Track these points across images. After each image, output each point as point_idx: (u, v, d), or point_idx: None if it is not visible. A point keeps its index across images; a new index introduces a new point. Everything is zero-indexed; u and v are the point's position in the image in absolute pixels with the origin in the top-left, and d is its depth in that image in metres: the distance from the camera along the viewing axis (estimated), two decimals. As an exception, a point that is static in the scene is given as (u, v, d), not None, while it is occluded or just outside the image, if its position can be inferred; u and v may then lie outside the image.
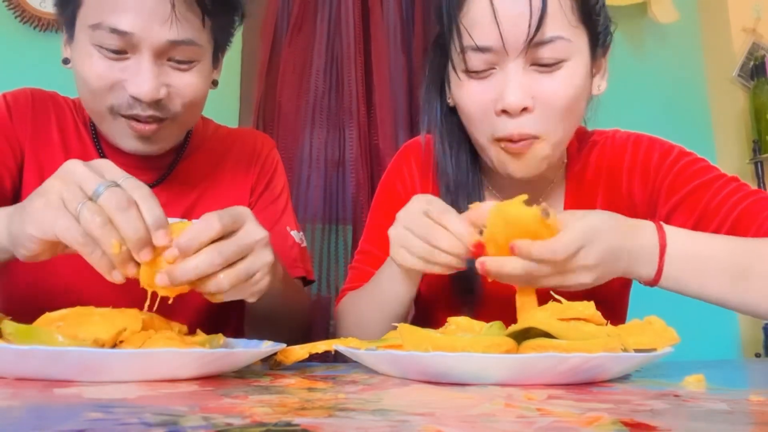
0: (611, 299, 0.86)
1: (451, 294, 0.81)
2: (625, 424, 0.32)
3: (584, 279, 0.61)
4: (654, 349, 0.53)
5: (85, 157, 0.75)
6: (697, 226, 0.73)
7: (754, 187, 0.76)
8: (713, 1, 2.42)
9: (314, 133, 1.94)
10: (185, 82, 0.75)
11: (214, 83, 0.84)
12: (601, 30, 0.72)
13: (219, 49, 0.82)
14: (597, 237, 0.60)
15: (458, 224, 0.62)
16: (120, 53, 0.71)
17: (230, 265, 0.55)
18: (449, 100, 0.79)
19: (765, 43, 2.31)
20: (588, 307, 0.56)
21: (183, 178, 0.88)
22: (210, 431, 0.29)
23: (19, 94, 0.84)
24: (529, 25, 0.65)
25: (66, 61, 0.78)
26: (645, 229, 0.64)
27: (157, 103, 0.73)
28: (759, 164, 2.22)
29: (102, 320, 0.51)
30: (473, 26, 0.69)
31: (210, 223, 0.54)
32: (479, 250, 0.60)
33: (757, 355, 2.08)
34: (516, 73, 0.67)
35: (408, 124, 1.96)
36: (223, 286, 0.55)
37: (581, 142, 0.85)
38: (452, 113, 0.79)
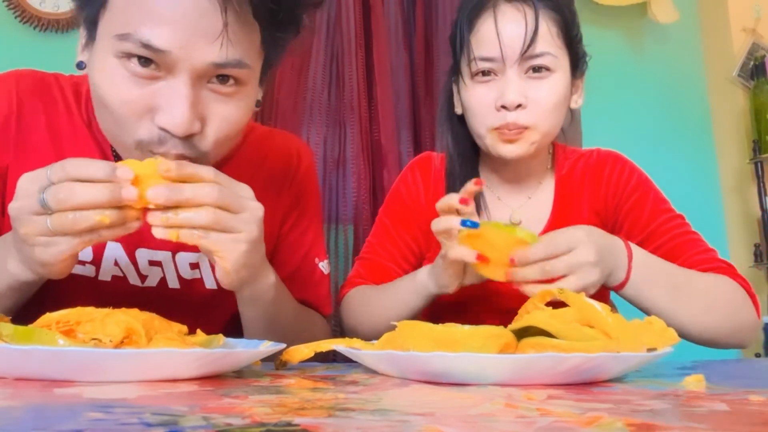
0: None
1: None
2: (625, 424, 0.32)
3: (592, 276, 0.70)
4: (654, 349, 0.53)
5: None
6: (642, 243, 0.87)
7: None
8: (713, 1, 2.42)
9: (312, 131, 1.93)
10: (224, 114, 0.63)
11: (257, 104, 0.72)
12: (580, 57, 0.93)
13: (268, 66, 0.70)
14: (588, 235, 0.72)
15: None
16: (151, 72, 0.59)
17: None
18: (457, 109, 0.97)
19: (765, 43, 2.31)
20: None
21: None
22: (210, 431, 0.29)
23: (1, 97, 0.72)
24: (524, 42, 0.86)
25: (81, 65, 0.65)
26: (615, 239, 0.77)
27: (188, 139, 0.61)
28: (759, 164, 2.22)
29: (110, 320, 0.51)
30: (481, 41, 0.89)
31: (208, 168, 0.58)
32: (481, 258, 0.73)
33: (757, 355, 2.08)
34: (514, 78, 0.87)
35: (410, 120, 1.92)
36: (208, 219, 0.57)
37: (567, 152, 1.01)
38: (460, 123, 0.97)
